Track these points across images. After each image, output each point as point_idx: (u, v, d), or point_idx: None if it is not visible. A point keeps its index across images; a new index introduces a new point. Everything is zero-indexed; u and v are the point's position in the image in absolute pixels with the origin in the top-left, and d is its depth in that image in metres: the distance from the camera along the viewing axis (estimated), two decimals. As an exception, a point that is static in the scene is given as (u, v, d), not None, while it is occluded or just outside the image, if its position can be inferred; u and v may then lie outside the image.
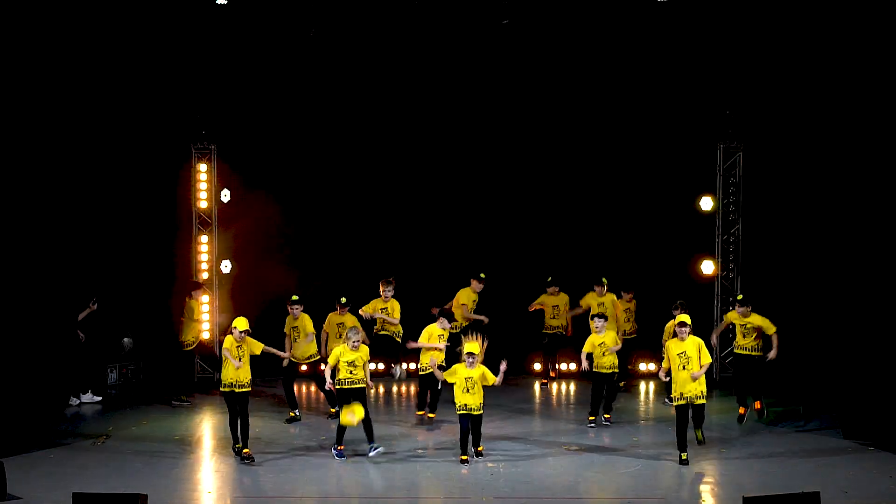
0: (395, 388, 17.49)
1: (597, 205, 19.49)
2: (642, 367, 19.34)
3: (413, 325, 16.58)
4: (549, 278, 18.47)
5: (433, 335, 15.72)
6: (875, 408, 14.82)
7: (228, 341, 14.24)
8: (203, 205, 19.49)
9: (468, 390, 13.95)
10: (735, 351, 15.86)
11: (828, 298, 15.96)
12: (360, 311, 16.63)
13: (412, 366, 18.14)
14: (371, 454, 14.24)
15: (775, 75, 17.83)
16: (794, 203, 17.72)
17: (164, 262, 19.09)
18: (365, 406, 14.32)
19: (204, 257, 19.44)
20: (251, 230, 19.31)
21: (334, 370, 14.30)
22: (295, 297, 16.29)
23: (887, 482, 13.15)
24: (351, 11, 18.20)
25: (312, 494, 12.96)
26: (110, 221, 18.22)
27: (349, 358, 14.22)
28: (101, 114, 17.45)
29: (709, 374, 14.34)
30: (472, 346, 14.06)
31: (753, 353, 15.57)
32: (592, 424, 15.92)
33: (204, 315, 18.82)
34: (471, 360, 13.96)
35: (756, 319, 15.37)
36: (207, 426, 16.27)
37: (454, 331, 16.64)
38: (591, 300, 17.78)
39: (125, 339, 18.76)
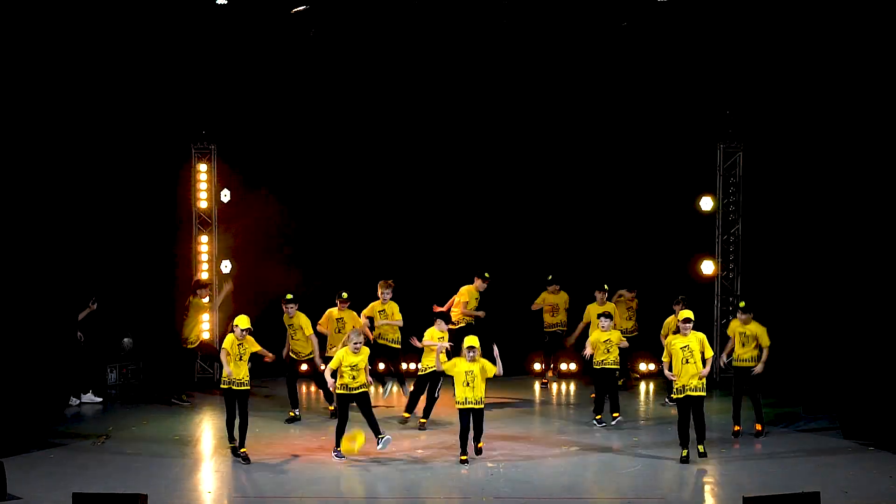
0: (395, 389, 17.43)
1: (597, 205, 19.51)
2: (642, 366, 19.35)
3: (414, 325, 16.54)
4: (550, 276, 18.47)
5: (434, 338, 15.69)
6: (875, 408, 14.82)
7: (229, 340, 14.25)
8: (203, 205, 19.50)
9: (468, 384, 13.97)
10: (734, 363, 15.44)
11: (828, 298, 15.94)
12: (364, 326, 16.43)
13: (412, 366, 18.16)
14: (380, 447, 14.25)
15: (775, 76, 17.82)
16: (794, 203, 17.70)
17: (165, 262, 19.11)
18: (367, 403, 14.33)
19: (204, 257, 19.45)
20: (251, 230, 19.32)
21: (335, 373, 14.28)
22: (289, 296, 16.27)
23: (887, 482, 13.15)
24: (351, 11, 18.20)
25: (312, 494, 12.95)
26: (110, 221, 18.22)
27: (352, 361, 14.19)
28: (101, 114, 17.43)
29: (709, 374, 14.30)
30: (472, 340, 14.09)
31: (752, 364, 15.23)
32: (603, 423, 15.91)
33: (204, 315, 18.80)
34: (471, 354, 13.98)
35: (755, 328, 15.25)
36: (207, 426, 16.27)
37: (455, 327, 16.64)
38: (592, 312, 17.59)
39: (125, 339, 18.77)
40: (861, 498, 12.52)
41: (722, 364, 15.54)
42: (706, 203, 19.24)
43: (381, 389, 16.75)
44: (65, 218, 15.90)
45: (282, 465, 14.03)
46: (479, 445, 14.29)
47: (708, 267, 19.25)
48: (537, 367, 19.47)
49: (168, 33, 17.83)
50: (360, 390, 14.25)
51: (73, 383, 17.27)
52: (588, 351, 16.03)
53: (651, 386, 18.87)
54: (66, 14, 15.68)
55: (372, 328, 16.65)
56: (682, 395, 14.12)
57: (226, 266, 19.37)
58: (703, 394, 14.12)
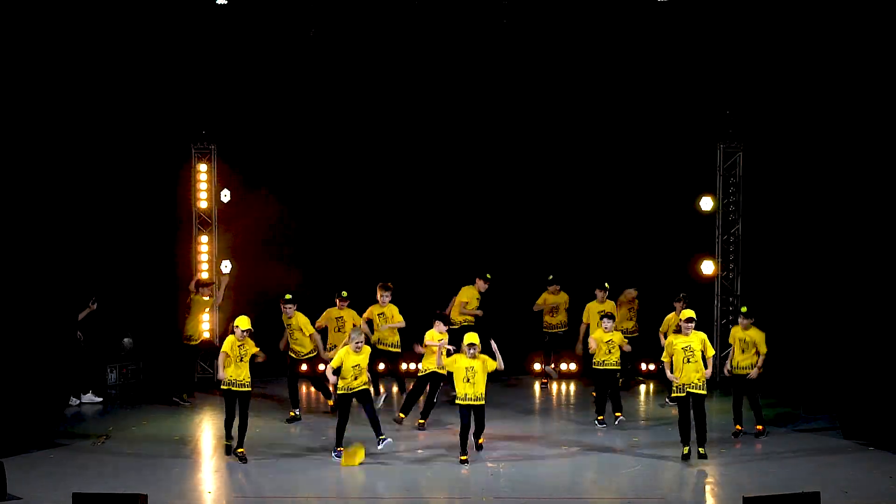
0: (395, 389, 17.45)
1: (597, 205, 19.49)
2: (643, 366, 19.33)
3: (414, 326, 16.54)
4: (550, 276, 18.46)
5: (434, 340, 15.65)
6: (874, 408, 14.82)
7: (229, 342, 14.22)
8: (203, 205, 19.50)
9: (469, 380, 13.99)
10: (734, 372, 15.35)
11: (827, 298, 15.95)
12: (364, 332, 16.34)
13: (412, 366, 18.16)
14: (380, 447, 14.28)
15: (775, 76, 17.83)
16: (794, 203, 17.71)
17: (165, 262, 19.10)
18: (370, 400, 14.35)
19: (204, 257, 19.45)
20: (251, 230, 19.32)
21: (337, 370, 14.28)
22: (288, 297, 16.26)
23: (887, 482, 13.16)
24: (351, 11, 18.20)
25: (312, 494, 12.96)
26: (110, 221, 18.21)
27: (354, 361, 14.20)
28: (101, 114, 17.44)
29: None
30: (473, 337, 14.10)
31: (751, 371, 15.26)
32: (604, 424, 15.91)
33: (205, 313, 18.81)
34: (472, 350, 14.00)
35: (755, 334, 15.24)
36: (207, 426, 16.27)
37: (455, 327, 16.63)
38: (592, 310, 17.62)
39: (125, 339, 18.76)
40: (861, 498, 12.53)
41: (726, 372, 15.42)
42: (706, 203, 19.23)
43: (379, 396, 16.42)
44: (65, 218, 15.90)
45: (282, 465, 14.03)
46: (480, 441, 14.30)
47: (708, 267, 19.25)
48: (537, 367, 19.46)
49: (168, 33, 17.84)
50: (362, 388, 14.26)
51: (73, 383, 17.27)
52: (592, 345, 15.99)
53: (651, 386, 18.86)
54: (66, 14, 15.69)
55: (371, 332, 16.62)
56: (682, 394, 14.13)
57: (226, 266, 19.36)
58: (704, 392, 14.13)
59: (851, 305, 15.27)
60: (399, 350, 16.75)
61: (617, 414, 16.01)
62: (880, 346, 14.74)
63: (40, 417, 15.13)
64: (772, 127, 18.39)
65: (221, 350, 14.27)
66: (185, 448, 14.93)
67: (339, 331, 16.57)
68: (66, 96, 15.88)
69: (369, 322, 16.68)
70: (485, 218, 19.51)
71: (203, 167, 19.47)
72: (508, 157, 19.52)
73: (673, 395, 14.41)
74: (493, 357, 14.17)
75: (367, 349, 14.57)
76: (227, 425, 14.30)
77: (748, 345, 15.24)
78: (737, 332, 15.42)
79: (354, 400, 14.32)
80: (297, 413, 16.35)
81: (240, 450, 14.16)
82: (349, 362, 14.16)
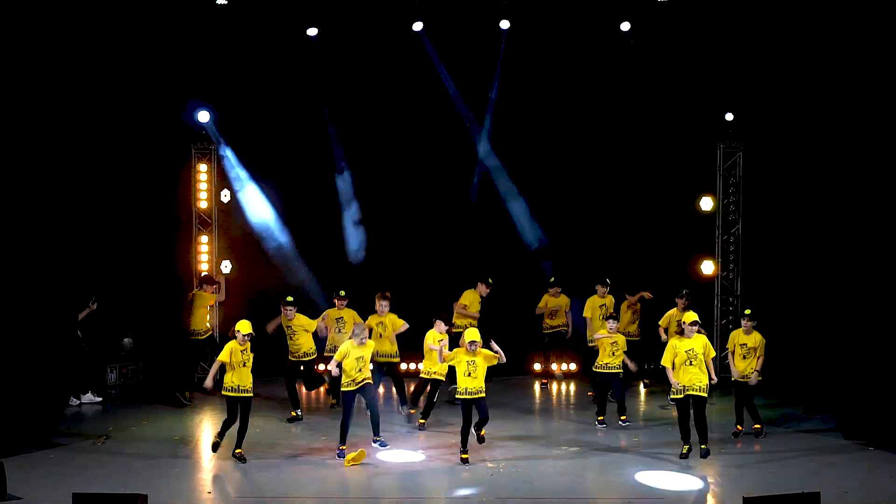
0: (393, 390, 17.43)
1: (597, 205, 19.50)
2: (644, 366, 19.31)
3: (415, 327, 16.52)
4: (552, 279, 18.46)
5: (434, 339, 15.66)
6: (874, 408, 14.82)
7: (230, 349, 14.09)
8: (203, 205, 19.51)
9: (470, 374, 14.02)
10: (734, 379, 15.27)
11: (827, 298, 15.95)
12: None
13: (412, 366, 18.17)
14: (374, 444, 14.32)
15: (775, 76, 17.83)
16: (794, 203, 17.72)
17: (165, 262, 19.10)
18: (374, 395, 14.36)
19: (204, 257, 19.45)
20: (251, 230, 19.34)
21: (340, 364, 14.26)
22: (290, 299, 16.25)
23: (887, 482, 13.16)
24: (351, 11, 18.21)
25: (312, 494, 12.96)
26: (110, 221, 18.22)
27: (358, 353, 14.20)
28: (101, 114, 17.44)
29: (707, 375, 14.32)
30: (474, 333, 14.13)
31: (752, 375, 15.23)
32: (604, 424, 15.91)
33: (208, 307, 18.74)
34: (472, 347, 14.03)
35: (757, 339, 15.22)
36: (207, 426, 16.26)
37: (457, 330, 16.63)
38: (593, 305, 17.64)
39: (125, 339, 18.76)
40: (861, 498, 12.53)
41: (738, 378, 15.18)
42: (706, 203, 19.24)
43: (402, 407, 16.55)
44: (65, 218, 15.91)
45: (282, 465, 14.02)
46: (482, 433, 14.31)
47: (708, 267, 19.26)
48: (537, 367, 19.47)
49: (168, 33, 17.84)
50: (365, 382, 14.26)
51: (74, 383, 17.27)
52: (597, 336, 15.92)
53: (642, 386, 18.83)
54: (66, 15, 15.69)
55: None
56: (681, 395, 14.12)
57: (226, 266, 19.38)
58: (705, 395, 14.12)
59: (851, 305, 15.27)
60: (398, 360, 16.66)
61: (622, 417, 16.01)
62: (880, 346, 14.74)
63: (40, 417, 15.14)
64: (772, 127, 18.40)
65: (219, 358, 14.18)
66: (185, 448, 14.93)
67: (339, 332, 16.55)
68: (67, 97, 15.89)
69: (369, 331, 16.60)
70: (485, 217, 19.50)
71: (203, 167, 19.48)
72: (509, 157, 19.51)
73: (672, 396, 14.38)
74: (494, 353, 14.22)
75: (371, 343, 14.57)
76: (226, 426, 14.27)
77: (750, 351, 15.18)
78: (737, 337, 15.34)
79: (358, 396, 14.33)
80: (299, 413, 16.35)
81: (238, 450, 14.15)
82: (353, 355, 14.16)
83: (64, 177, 15.93)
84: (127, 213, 18.50)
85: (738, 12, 17.74)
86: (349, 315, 16.63)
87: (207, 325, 18.04)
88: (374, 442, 14.38)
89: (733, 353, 15.32)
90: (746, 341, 15.20)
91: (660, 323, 16.94)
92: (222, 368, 14.18)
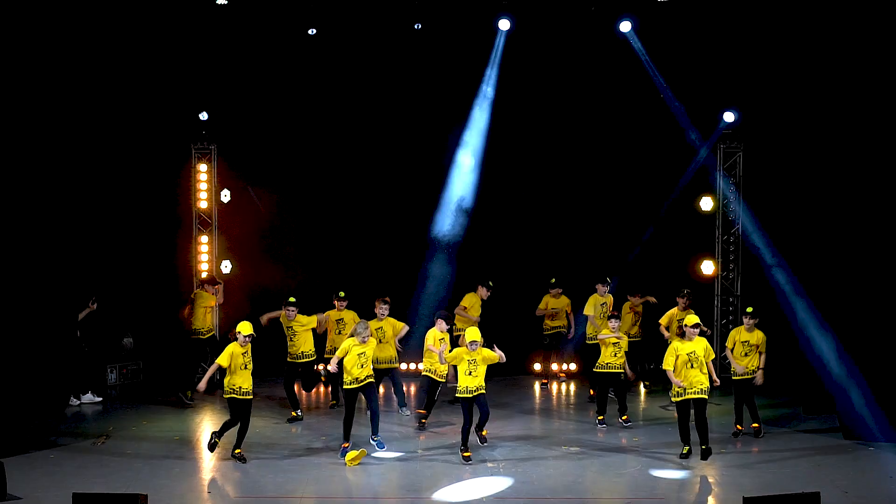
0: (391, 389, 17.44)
1: (597, 205, 19.50)
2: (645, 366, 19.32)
3: (416, 328, 16.51)
4: (553, 279, 18.45)
5: (435, 339, 15.67)
6: (875, 408, 14.81)
7: (230, 351, 14.06)
8: (203, 205, 19.52)
9: (471, 373, 14.05)
10: (734, 378, 15.28)
11: (827, 298, 15.94)
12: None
13: (412, 366, 18.17)
14: (372, 442, 14.34)
15: (775, 76, 17.83)
16: (793, 203, 17.71)
17: (165, 262, 19.11)
18: (375, 395, 14.34)
19: (204, 257, 19.46)
20: (251, 230, 19.34)
21: (341, 361, 14.27)
22: (292, 300, 16.25)
23: (887, 482, 13.16)
24: (351, 11, 18.20)
25: (312, 494, 12.96)
26: (111, 221, 18.24)
27: (360, 350, 14.20)
28: (101, 114, 17.45)
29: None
30: (475, 333, 14.14)
31: (752, 377, 15.22)
32: (604, 424, 15.92)
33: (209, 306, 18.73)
34: (473, 347, 14.05)
35: (759, 336, 15.21)
36: (207, 426, 16.25)
37: (458, 332, 16.63)
38: (595, 303, 17.63)
39: (125, 339, 18.77)
40: (861, 498, 12.53)
41: (715, 382, 15.09)
42: (706, 203, 19.24)
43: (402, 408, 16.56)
44: (65, 218, 15.92)
45: (282, 465, 14.02)
46: (484, 433, 14.29)
47: (708, 267, 19.26)
48: (537, 367, 19.47)
49: (168, 34, 17.84)
50: (368, 381, 14.25)
51: (74, 383, 17.27)
52: (601, 336, 15.93)
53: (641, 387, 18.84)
54: (67, 15, 15.70)
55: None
56: (681, 398, 14.11)
57: (226, 266, 19.39)
58: (706, 396, 14.13)
59: (851, 305, 15.26)
60: (397, 365, 16.63)
61: (623, 417, 16.01)
62: (880, 346, 14.73)
63: (40, 417, 15.14)
64: (772, 127, 18.39)
65: (217, 361, 14.14)
66: (185, 448, 14.93)
67: (339, 333, 16.54)
68: (67, 97, 15.90)
69: None
70: (484, 217, 19.50)
71: (203, 167, 19.48)
72: (509, 157, 19.51)
73: (673, 399, 14.36)
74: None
75: (373, 341, 14.56)
76: (226, 427, 14.26)
77: (751, 348, 15.19)
78: (738, 335, 15.34)
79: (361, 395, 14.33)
80: (299, 413, 16.34)
81: (238, 450, 14.15)
82: (354, 352, 14.16)
83: (64, 177, 15.94)
84: (127, 212, 18.52)
85: (738, 12, 17.72)
86: (349, 317, 16.63)
87: (210, 325, 18.01)
88: (373, 440, 14.37)
89: (732, 350, 15.32)
90: (749, 338, 15.21)
91: (660, 321, 16.95)
92: (221, 371, 14.17)
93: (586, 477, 13.63)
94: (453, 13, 18.20)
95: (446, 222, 19.22)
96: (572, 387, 19.02)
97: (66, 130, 16.03)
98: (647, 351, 18.08)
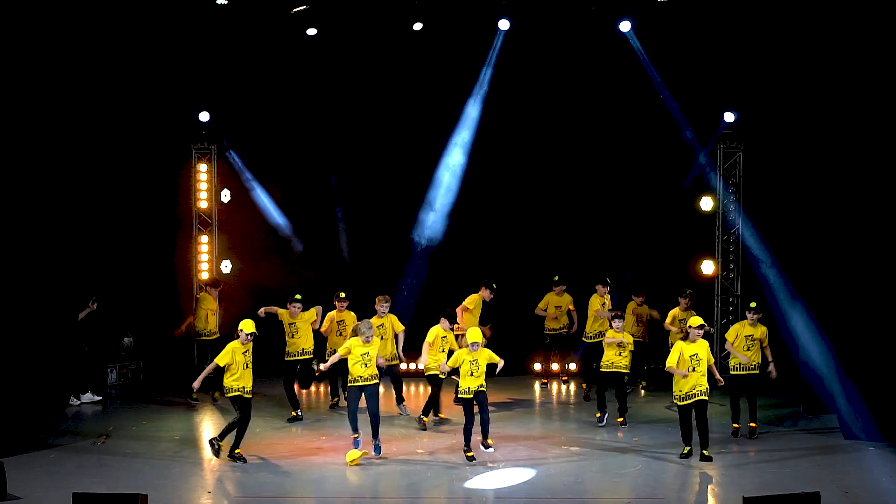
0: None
1: (597, 205, 19.50)
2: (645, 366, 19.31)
3: (417, 328, 16.51)
4: (556, 277, 18.43)
5: (437, 336, 15.66)
6: (875, 408, 14.81)
7: (231, 349, 14.06)
8: (203, 205, 19.52)
9: (472, 374, 14.10)
10: (732, 373, 15.28)
11: (827, 298, 15.94)
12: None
13: (412, 366, 18.17)
14: (374, 443, 14.33)
15: (775, 76, 17.83)
16: (793, 203, 17.71)
17: (165, 261, 19.11)
18: (376, 398, 14.29)
19: (204, 257, 19.46)
20: (251, 230, 19.35)
21: (341, 357, 14.25)
22: (298, 297, 16.26)
23: (887, 482, 13.16)
24: (351, 11, 18.21)
25: (312, 494, 12.96)
26: (111, 221, 18.23)
27: (363, 350, 14.17)
28: (101, 114, 17.46)
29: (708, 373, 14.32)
30: (476, 335, 14.14)
31: (755, 372, 15.22)
32: (602, 422, 15.92)
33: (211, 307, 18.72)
34: (474, 347, 14.10)
35: (762, 330, 15.21)
36: (207, 426, 16.26)
37: (458, 332, 16.62)
38: (595, 304, 17.63)
39: (125, 339, 18.76)
40: (861, 498, 12.53)
41: (719, 382, 15.04)
42: (706, 203, 19.24)
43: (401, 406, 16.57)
44: (65, 218, 15.92)
45: (282, 465, 14.02)
46: (489, 442, 14.29)
47: (708, 267, 19.26)
48: (537, 367, 19.47)
49: (168, 33, 17.85)
50: (372, 381, 14.22)
51: (74, 383, 17.27)
52: (608, 340, 15.90)
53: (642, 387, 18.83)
54: (67, 15, 15.70)
55: None
56: (685, 402, 14.11)
57: (226, 266, 19.39)
58: (706, 398, 14.13)
59: (850, 305, 15.26)
60: (397, 362, 16.63)
61: (620, 419, 15.99)
62: (880, 346, 14.73)
63: (40, 417, 15.14)
64: (772, 127, 18.39)
65: (216, 360, 14.11)
66: (185, 448, 14.93)
67: (339, 334, 16.52)
68: (67, 97, 15.90)
69: None
70: (484, 218, 19.51)
71: (203, 167, 19.49)
72: (509, 158, 19.52)
73: (676, 402, 14.33)
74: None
75: (377, 341, 14.54)
76: (232, 427, 14.24)
77: (754, 342, 15.20)
78: (741, 330, 15.31)
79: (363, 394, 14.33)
80: (299, 413, 16.34)
81: (237, 450, 14.15)
82: (357, 352, 14.13)
83: (64, 177, 15.95)
84: (127, 212, 18.52)
85: (737, 13, 17.72)
86: (350, 318, 16.61)
87: (213, 327, 17.97)
88: (372, 439, 14.32)
89: (734, 343, 15.31)
90: (752, 332, 15.20)
91: (665, 324, 16.94)
92: (219, 370, 14.17)
93: (586, 477, 13.63)
94: (453, 13, 18.19)
95: (442, 224, 19.24)
96: (572, 387, 19.01)
97: (66, 131, 16.03)
98: (648, 350, 18.08)
